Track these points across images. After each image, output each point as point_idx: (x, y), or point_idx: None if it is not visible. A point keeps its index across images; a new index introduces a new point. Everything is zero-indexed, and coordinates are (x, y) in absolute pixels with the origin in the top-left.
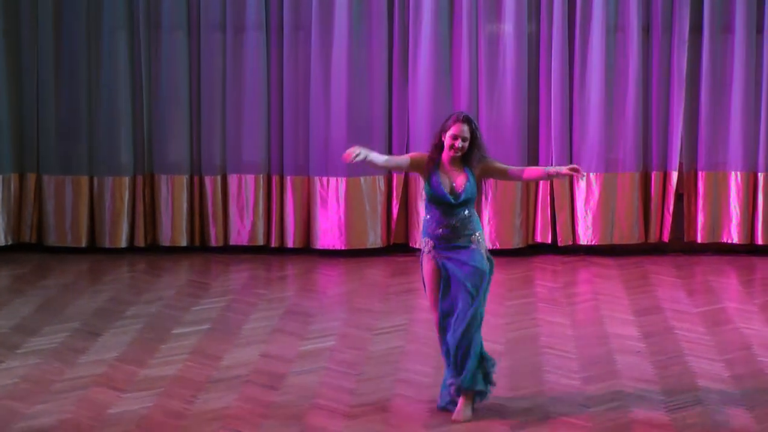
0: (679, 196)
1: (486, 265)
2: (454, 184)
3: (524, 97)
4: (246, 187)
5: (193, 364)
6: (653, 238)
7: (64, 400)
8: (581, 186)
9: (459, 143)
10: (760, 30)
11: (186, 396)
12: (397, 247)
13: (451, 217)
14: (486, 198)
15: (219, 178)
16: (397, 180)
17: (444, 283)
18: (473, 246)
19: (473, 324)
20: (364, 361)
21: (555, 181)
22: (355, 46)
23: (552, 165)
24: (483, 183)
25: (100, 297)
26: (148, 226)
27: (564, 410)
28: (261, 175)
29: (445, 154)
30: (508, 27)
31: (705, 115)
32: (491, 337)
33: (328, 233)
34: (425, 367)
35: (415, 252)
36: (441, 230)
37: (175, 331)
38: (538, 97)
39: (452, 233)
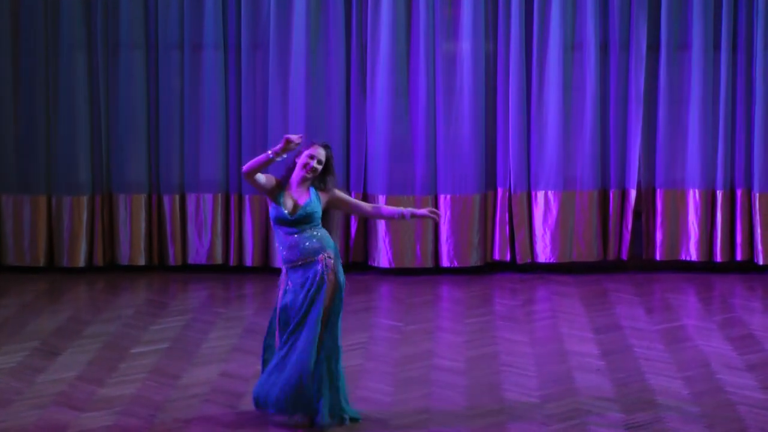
0: (637, 214)
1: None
2: (297, 203)
3: (482, 115)
4: (204, 206)
5: (152, 383)
6: (612, 255)
7: (23, 419)
8: (539, 204)
9: (314, 163)
10: (717, 47)
11: (145, 415)
12: (356, 266)
13: (294, 236)
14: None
15: (177, 197)
16: (355, 197)
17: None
18: (319, 266)
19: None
20: None
21: (513, 199)
22: (313, 65)
23: (510, 184)
24: (330, 208)
25: (58, 316)
26: (106, 245)
27: (523, 428)
28: (219, 194)
29: (296, 175)
30: (465, 45)
31: (663, 133)
32: (450, 355)
33: None
34: (384, 385)
35: (373, 270)
36: (286, 252)
37: (133, 350)
38: (496, 115)
39: (299, 254)
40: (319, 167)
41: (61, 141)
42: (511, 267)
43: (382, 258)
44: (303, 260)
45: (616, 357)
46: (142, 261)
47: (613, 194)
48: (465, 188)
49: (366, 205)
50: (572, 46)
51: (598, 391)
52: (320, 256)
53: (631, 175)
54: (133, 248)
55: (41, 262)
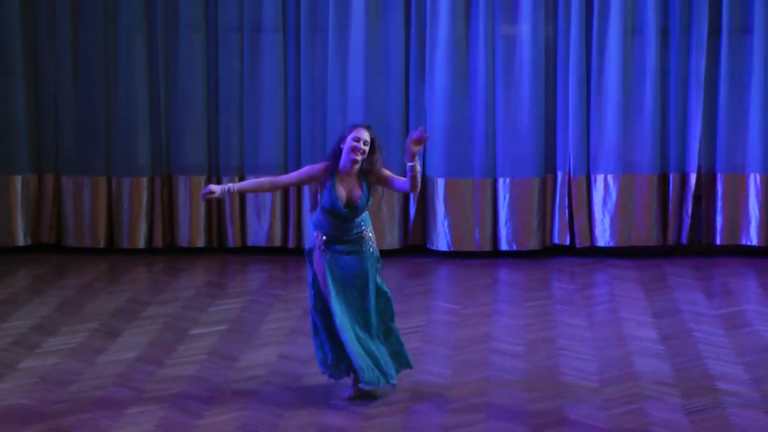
0: (697, 198)
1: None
2: (351, 196)
3: (541, 98)
4: None
5: (210, 364)
6: (671, 240)
7: (84, 399)
8: (599, 188)
9: (360, 145)
10: None
11: (203, 396)
12: (415, 249)
13: (344, 224)
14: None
15: (237, 179)
16: None
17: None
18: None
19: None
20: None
21: (572, 183)
22: (372, 47)
23: (569, 167)
24: (374, 191)
25: (118, 297)
26: (166, 227)
27: (582, 412)
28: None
29: (345, 159)
30: (525, 28)
31: (723, 117)
32: (508, 339)
33: None
34: (442, 368)
35: (432, 254)
36: (333, 231)
37: (192, 332)
38: (555, 99)
39: (345, 236)
40: (366, 148)
41: (120, 123)
42: (570, 251)
43: (441, 241)
44: (348, 239)
45: (675, 342)
46: (201, 243)
47: (673, 178)
48: (524, 172)
49: (400, 181)
50: (632, 30)
51: (657, 375)
52: (363, 232)
53: (691, 159)
54: (192, 230)
55: (101, 243)
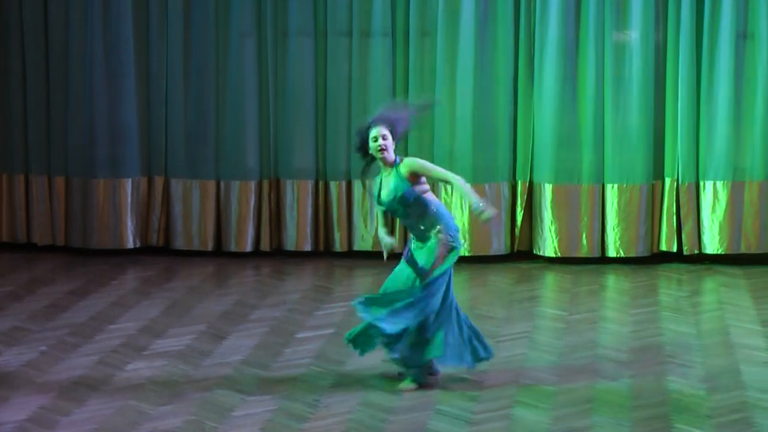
0: None
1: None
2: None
3: (650, 104)
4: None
5: (316, 368)
6: None
7: (189, 402)
8: (708, 195)
9: (381, 142)
10: None
11: (309, 400)
12: (521, 255)
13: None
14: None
15: (344, 183)
16: (522, 187)
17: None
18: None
19: None
20: (486, 367)
21: (681, 189)
22: (481, 52)
23: (678, 173)
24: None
25: (225, 300)
26: (273, 231)
27: (688, 420)
28: None
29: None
30: (634, 34)
31: None
32: (615, 346)
33: None
34: (548, 374)
35: (538, 259)
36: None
37: (298, 335)
38: (665, 105)
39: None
40: (386, 142)
41: (229, 126)
42: (677, 258)
43: (548, 247)
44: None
45: None
46: (308, 247)
47: None
48: (632, 177)
49: (450, 177)
50: (744, 35)
51: (765, 384)
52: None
53: None
54: (299, 234)
55: (209, 246)
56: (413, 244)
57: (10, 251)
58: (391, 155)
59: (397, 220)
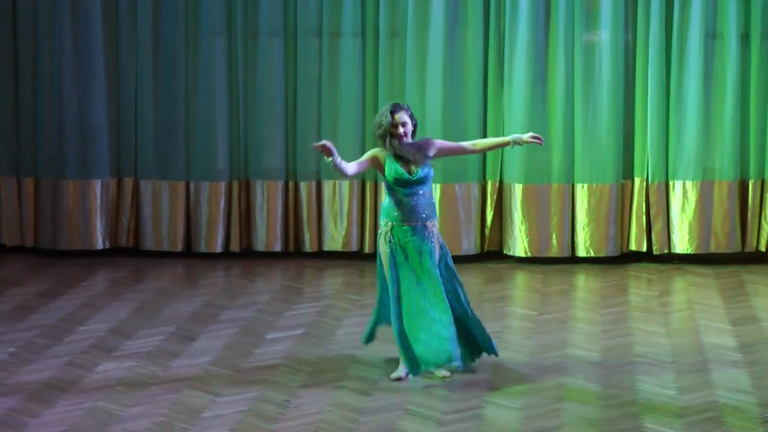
0: None
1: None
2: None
3: (620, 104)
4: (340, 193)
5: (286, 369)
6: (750, 247)
7: (159, 403)
8: (677, 194)
9: (400, 129)
10: None
11: (279, 401)
12: (492, 255)
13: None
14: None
15: (314, 183)
16: (492, 187)
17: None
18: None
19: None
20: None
21: (650, 189)
22: (451, 52)
23: (648, 173)
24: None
25: (195, 301)
26: (243, 231)
27: (658, 420)
28: (355, 181)
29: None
30: (604, 35)
31: None
32: (585, 345)
33: None
34: (518, 374)
35: (508, 259)
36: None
37: (268, 336)
38: (634, 105)
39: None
40: (406, 128)
41: (199, 127)
42: (647, 257)
43: (518, 247)
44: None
45: (754, 349)
46: (278, 247)
47: (752, 185)
48: (602, 177)
49: (465, 144)
50: (713, 35)
51: (734, 384)
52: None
53: None
54: (269, 234)
55: (179, 247)
56: (400, 238)
57: None
58: (409, 140)
59: (406, 204)
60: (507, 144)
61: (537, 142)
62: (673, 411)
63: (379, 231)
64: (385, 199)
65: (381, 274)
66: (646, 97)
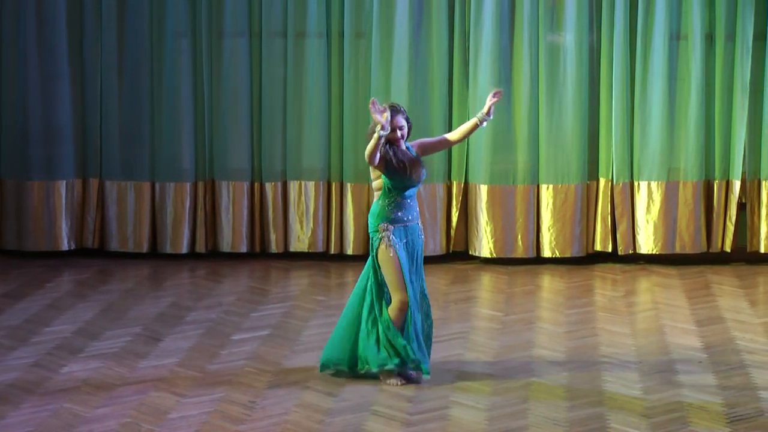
0: (742, 206)
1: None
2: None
3: (585, 105)
4: (306, 194)
5: (252, 369)
6: (715, 247)
7: (125, 404)
8: (642, 195)
9: (397, 134)
10: None
11: (245, 402)
12: (457, 255)
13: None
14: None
15: (279, 184)
16: (457, 188)
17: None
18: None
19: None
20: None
21: (615, 189)
22: (416, 53)
23: (612, 174)
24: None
25: (161, 302)
26: (209, 232)
27: (624, 420)
28: (321, 182)
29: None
30: (568, 36)
31: None
32: (550, 346)
33: None
34: (484, 375)
35: (474, 260)
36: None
37: (234, 337)
38: (599, 106)
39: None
40: (404, 131)
41: (164, 128)
42: (612, 258)
43: (483, 248)
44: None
45: (718, 350)
46: (243, 248)
47: (717, 185)
48: (567, 178)
49: (447, 136)
50: (677, 36)
51: (699, 384)
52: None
53: (735, 167)
54: (234, 235)
55: (144, 248)
56: (402, 236)
57: None
58: (402, 145)
59: (406, 205)
60: (477, 124)
61: (497, 99)
62: (639, 411)
63: (378, 236)
64: (380, 202)
65: (361, 286)
66: (611, 98)
